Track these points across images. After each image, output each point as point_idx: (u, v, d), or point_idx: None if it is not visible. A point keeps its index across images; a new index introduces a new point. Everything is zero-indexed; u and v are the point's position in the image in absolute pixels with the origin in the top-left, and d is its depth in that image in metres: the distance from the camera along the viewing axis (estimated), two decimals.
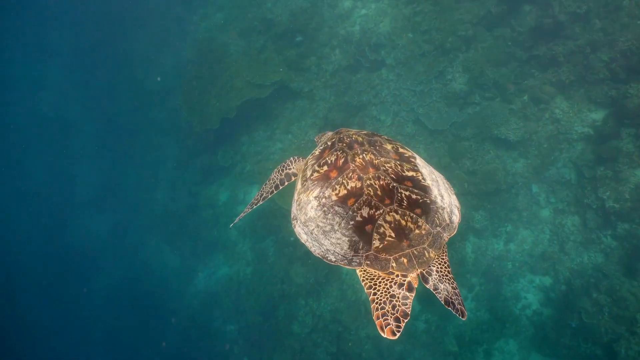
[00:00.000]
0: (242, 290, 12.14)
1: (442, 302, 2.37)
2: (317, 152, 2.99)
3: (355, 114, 11.20)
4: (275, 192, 3.37)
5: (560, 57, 9.51)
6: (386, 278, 2.42)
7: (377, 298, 2.36)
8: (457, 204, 2.88)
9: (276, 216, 11.03)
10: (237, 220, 3.54)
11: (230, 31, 12.54)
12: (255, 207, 3.42)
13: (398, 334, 2.17)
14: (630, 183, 8.71)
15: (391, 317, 2.24)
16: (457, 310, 2.35)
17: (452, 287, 2.46)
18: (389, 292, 2.35)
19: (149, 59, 15.30)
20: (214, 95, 11.68)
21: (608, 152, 8.92)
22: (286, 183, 3.35)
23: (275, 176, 3.40)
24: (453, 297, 2.40)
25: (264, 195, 3.40)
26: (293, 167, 3.37)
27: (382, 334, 2.20)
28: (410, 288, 2.36)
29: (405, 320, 2.23)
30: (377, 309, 2.31)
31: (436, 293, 2.40)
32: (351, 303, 10.36)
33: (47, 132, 17.04)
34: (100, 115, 16.63)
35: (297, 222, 2.78)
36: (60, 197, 16.90)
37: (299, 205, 2.79)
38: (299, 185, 2.92)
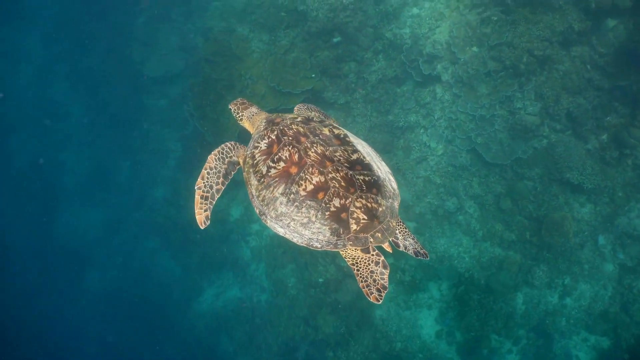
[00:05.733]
0: (257, 320, 10.93)
1: (414, 255, 3.04)
2: (262, 147, 3.07)
3: (400, 136, 9.60)
4: (225, 182, 3.25)
5: None
6: (364, 258, 2.88)
7: (360, 273, 2.85)
8: (388, 169, 3.26)
9: (302, 252, 9.64)
10: (203, 219, 3.12)
11: (251, 21, 10.49)
12: (211, 203, 3.16)
13: (381, 300, 2.74)
14: None
15: (374, 287, 2.79)
16: (422, 255, 3.06)
17: (412, 239, 3.09)
18: (369, 269, 2.85)
19: (148, 37, 13.09)
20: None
21: None
22: (232, 173, 3.30)
23: (217, 164, 3.24)
24: (417, 247, 3.07)
25: (216, 187, 3.20)
26: (234, 155, 3.30)
27: (369, 299, 2.76)
28: (385, 266, 2.85)
29: (385, 291, 2.76)
30: (362, 281, 2.83)
31: (407, 251, 3.03)
32: (385, 355, 9.26)
33: (30, 112, 14.86)
34: (90, 96, 14.49)
35: (266, 217, 2.95)
36: (47, 186, 15.04)
37: (263, 201, 2.96)
38: (253, 181, 3.05)
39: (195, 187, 3.14)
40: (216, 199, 3.18)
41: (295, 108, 3.78)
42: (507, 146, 8.99)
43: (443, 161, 9.34)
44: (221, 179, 3.23)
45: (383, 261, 2.86)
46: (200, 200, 3.12)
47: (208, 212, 3.13)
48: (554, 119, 8.93)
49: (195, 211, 3.10)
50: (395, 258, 9.57)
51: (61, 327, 14.68)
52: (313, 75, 9.82)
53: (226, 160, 3.28)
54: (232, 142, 3.35)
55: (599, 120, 8.68)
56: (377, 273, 2.82)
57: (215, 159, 3.25)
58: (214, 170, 3.22)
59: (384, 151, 9.39)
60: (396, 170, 9.42)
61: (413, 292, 9.59)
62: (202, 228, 3.11)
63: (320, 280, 9.44)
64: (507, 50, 8.76)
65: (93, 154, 14.65)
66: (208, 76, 10.15)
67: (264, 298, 10.98)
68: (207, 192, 3.16)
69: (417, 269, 9.52)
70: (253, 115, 3.60)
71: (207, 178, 3.19)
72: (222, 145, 3.31)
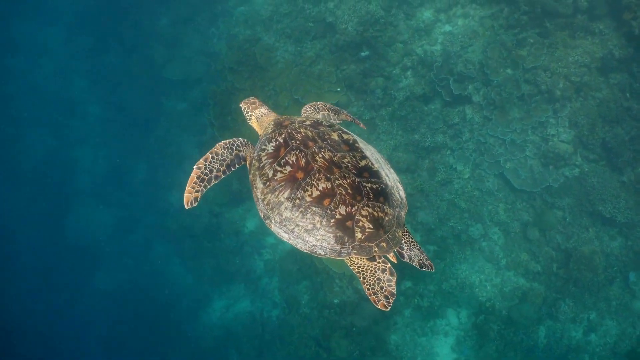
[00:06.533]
0: (267, 335, 10.67)
1: (418, 267, 2.96)
2: (269, 150, 2.99)
3: (425, 156, 9.29)
4: (227, 172, 3.14)
5: None
6: (370, 265, 2.84)
7: (367, 281, 2.82)
8: (397, 177, 3.18)
9: (318, 271, 9.36)
10: (192, 199, 3.00)
11: (277, 30, 10.26)
12: (205, 187, 3.06)
13: (389, 307, 2.70)
14: None
15: (381, 295, 2.75)
16: (427, 266, 3.00)
17: (418, 250, 3.04)
18: (375, 276, 2.81)
19: (171, 39, 12.93)
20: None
21: None
22: (236, 166, 3.20)
23: (224, 152, 3.16)
24: (422, 258, 3.02)
25: (215, 173, 3.10)
26: (243, 151, 3.23)
27: (377, 307, 2.71)
28: (392, 273, 2.82)
29: (393, 298, 2.73)
30: (368, 289, 2.80)
31: (412, 262, 2.97)
32: None
33: (47, 107, 14.77)
34: (108, 95, 14.36)
35: (271, 221, 2.90)
36: (60, 183, 14.94)
37: (268, 205, 2.90)
38: (259, 184, 2.97)
39: (195, 166, 3.04)
40: (212, 184, 3.08)
41: (303, 110, 3.69)
42: (537, 173, 8.64)
43: (469, 185, 9.02)
44: (223, 168, 3.14)
45: (390, 268, 2.82)
46: (195, 179, 3.02)
47: (199, 195, 3.02)
48: (588, 148, 8.58)
49: (186, 189, 2.97)
50: (414, 282, 9.27)
51: (68, 326, 14.56)
52: (339, 89, 9.56)
53: (234, 152, 3.21)
54: (244, 139, 3.30)
55: (636, 152, 8.31)
56: (384, 280, 2.79)
57: (223, 147, 3.18)
58: (219, 156, 3.14)
59: (407, 171, 9.10)
60: (420, 192, 9.11)
61: (430, 318, 9.28)
62: (186, 208, 2.97)
63: (336, 301, 9.16)
64: (543, 74, 8.43)
65: (109, 153, 14.53)
66: (231, 85, 9.94)
67: (275, 314, 10.71)
68: (205, 175, 3.06)
69: (436, 295, 9.21)
70: (262, 115, 3.55)
71: (210, 162, 3.10)
72: (234, 138, 3.26)
